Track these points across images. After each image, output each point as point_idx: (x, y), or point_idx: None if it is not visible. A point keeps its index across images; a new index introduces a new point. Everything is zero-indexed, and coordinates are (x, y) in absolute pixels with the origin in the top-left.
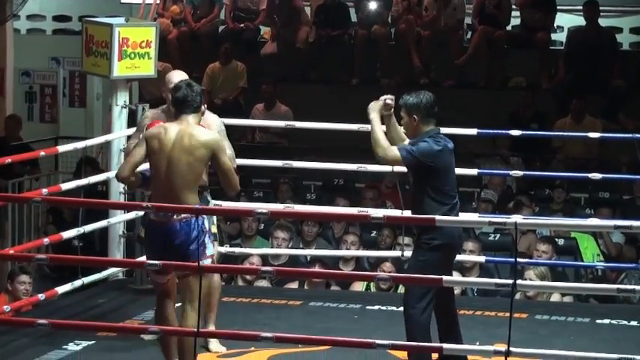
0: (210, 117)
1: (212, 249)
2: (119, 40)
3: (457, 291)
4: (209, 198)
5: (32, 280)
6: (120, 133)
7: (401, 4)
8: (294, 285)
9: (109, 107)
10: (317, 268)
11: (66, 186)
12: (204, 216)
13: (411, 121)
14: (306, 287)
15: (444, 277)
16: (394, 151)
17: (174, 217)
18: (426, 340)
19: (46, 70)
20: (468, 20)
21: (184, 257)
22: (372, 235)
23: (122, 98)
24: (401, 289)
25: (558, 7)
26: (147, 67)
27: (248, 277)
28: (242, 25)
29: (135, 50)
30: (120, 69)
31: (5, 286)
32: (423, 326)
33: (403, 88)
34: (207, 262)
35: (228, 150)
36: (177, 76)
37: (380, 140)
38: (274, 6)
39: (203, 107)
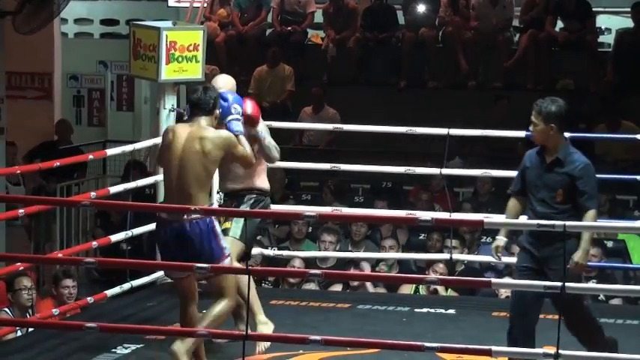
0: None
1: (229, 249)
2: (167, 44)
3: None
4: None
5: (76, 284)
6: None
7: (448, 6)
8: (339, 287)
9: (157, 111)
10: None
11: (114, 189)
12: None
13: (548, 130)
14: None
15: (492, 280)
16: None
17: (185, 217)
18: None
19: (94, 73)
20: (514, 22)
21: (199, 257)
22: (420, 237)
23: (170, 102)
24: (450, 292)
25: (607, 9)
26: (194, 71)
27: (292, 280)
28: (289, 28)
29: (182, 54)
30: (167, 72)
31: (51, 291)
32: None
33: (450, 91)
34: (226, 262)
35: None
36: (222, 80)
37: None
38: (333, 10)
39: (217, 111)
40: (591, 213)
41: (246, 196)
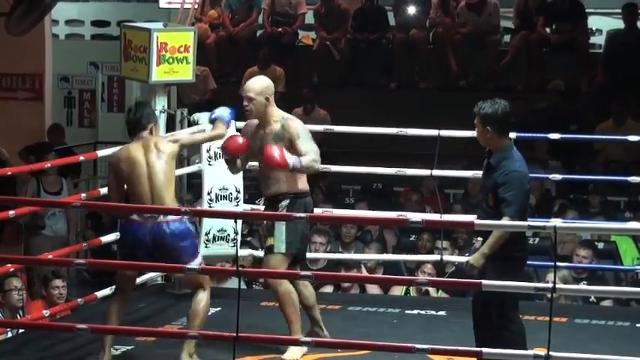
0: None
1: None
2: (157, 45)
3: None
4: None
5: (66, 284)
6: None
7: (439, 8)
8: (329, 289)
9: None
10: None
11: (105, 191)
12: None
13: (485, 132)
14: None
15: (483, 282)
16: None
17: (161, 218)
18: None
19: (85, 75)
20: (505, 23)
21: (175, 259)
22: (411, 239)
23: (161, 103)
24: (441, 294)
25: (597, 10)
26: (185, 72)
27: None
28: (280, 29)
29: (173, 55)
30: (158, 74)
31: (41, 292)
32: (524, 335)
33: (441, 92)
34: (196, 261)
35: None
36: (256, 81)
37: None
38: (324, 10)
39: (152, 125)
40: (504, 220)
41: (282, 202)
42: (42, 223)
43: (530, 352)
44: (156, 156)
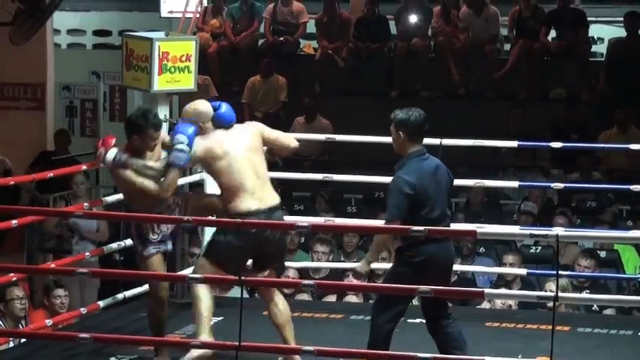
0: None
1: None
2: (159, 54)
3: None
4: None
5: (68, 294)
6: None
7: (440, 16)
8: (333, 298)
9: None
10: (351, 279)
11: (107, 200)
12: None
13: (397, 137)
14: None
15: (486, 290)
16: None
17: None
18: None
19: (87, 84)
20: (506, 32)
21: None
22: None
23: (163, 112)
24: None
25: (599, 19)
26: (187, 81)
27: (286, 290)
28: (282, 38)
29: (175, 64)
30: (160, 83)
31: (43, 302)
32: (384, 335)
33: (442, 100)
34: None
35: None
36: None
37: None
38: (327, 19)
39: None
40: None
41: None
42: (68, 248)
43: None
44: None
